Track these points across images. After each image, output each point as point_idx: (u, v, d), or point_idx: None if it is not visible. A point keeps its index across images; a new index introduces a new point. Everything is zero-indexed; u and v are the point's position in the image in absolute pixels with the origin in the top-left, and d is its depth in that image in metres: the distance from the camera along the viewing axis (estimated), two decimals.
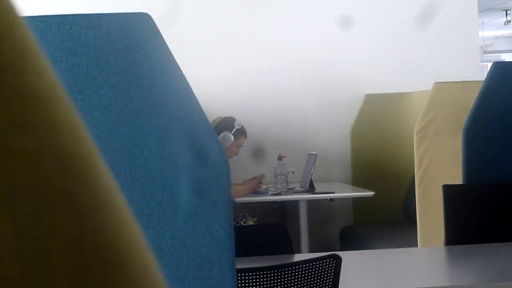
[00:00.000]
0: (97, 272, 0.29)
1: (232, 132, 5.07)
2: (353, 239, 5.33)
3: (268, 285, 2.24)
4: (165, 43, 1.81)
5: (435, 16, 5.93)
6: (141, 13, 1.78)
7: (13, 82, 0.30)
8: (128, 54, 1.73)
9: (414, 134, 4.17)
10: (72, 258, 0.29)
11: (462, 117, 3.42)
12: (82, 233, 0.29)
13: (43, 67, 0.32)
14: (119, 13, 1.77)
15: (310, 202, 5.02)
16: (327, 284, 2.30)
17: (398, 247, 3.87)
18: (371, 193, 4.94)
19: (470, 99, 3.43)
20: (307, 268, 2.26)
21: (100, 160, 0.33)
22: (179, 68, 1.84)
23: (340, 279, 2.30)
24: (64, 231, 0.29)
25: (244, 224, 5.15)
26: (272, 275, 2.24)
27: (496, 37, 19.43)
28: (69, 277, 0.29)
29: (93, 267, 0.29)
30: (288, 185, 5.10)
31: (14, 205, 0.29)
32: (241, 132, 5.15)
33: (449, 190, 3.18)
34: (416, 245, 4.24)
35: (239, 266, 1.92)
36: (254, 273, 2.23)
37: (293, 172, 5.30)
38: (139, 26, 1.76)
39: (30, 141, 0.29)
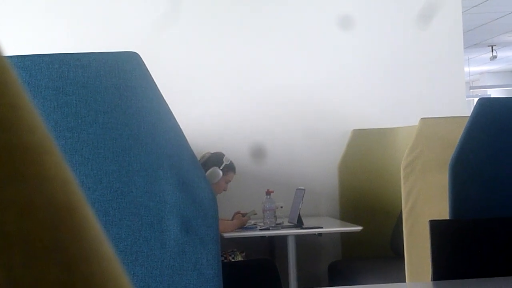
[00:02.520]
0: None
1: (221, 168, 5.08)
2: (341, 274, 5.33)
3: None
4: (153, 81, 1.83)
5: (422, 52, 5.99)
6: (130, 52, 1.80)
7: (6, 137, 0.31)
8: (117, 92, 1.75)
9: (401, 169, 4.19)
10: None
11: (449, 153, 3.45)
12: (71, 282, 0.31)
13: (35, 122, 0.33)
14: (108, 52, 1.79)
15: (298, 237, 5.02)
16: None
17: (386, 282, 3.88)
18: (359, 228, 4.95)
19: (456, 135, 3.46)
20: None
21: (89, 210, 0.34)
22: (167, 106, 1.86)
23: None
24: (54, 279, 0.30)
25: (232, 260, 5.14)
26: None
27: (482, 73, 19.58)
28: None
29: None
30: (276, 220, 5.11)
31: (7, 253, 0.30)
32: (230, 168, 5.16)
33: (435, 226, 3.19)
34: (404, 280, 4.24)
35: None
36: None
37: (281, 207, 5.30)
38: (128, 64, 1.78)
39: (22, 193, 0.30)
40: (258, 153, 5.76)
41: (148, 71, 1.88)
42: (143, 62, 1.87)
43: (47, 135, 0.33)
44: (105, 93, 1.84)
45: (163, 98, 1.91)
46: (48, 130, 0.34)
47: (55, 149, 0.33)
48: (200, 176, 1.92)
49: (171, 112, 1.92)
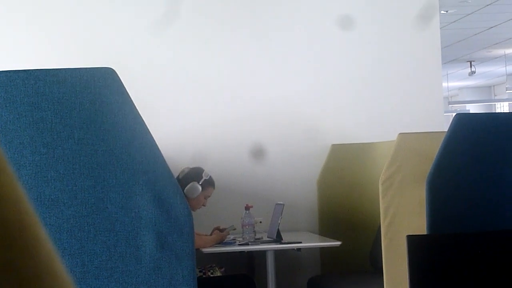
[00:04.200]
0: None
1: (200, 183, 5.08)
2: None
3: None
4: (129, 97, 1.83)
5: (400, 67, 6.02)
6: (105, 68, 1.80)
7: None
8: (92, 108, 1.75)
9: (380, 184, 4.20)
10: None
11: (427, 168, 3.47)
12: None
13: None
14: (83, 68, 1.79)
15: (277, 252, 5.02)
16: None
17: None
18: (338, 243, 4.96)
19: (434, 150, 3.48)
20: None
21: (41, 229, 0.35)
22: (143, 122, 1.86)
23: None
24: None
25: (211, 275, 5.13)
26: None
27: (460, 88, 19.71)
28: None
29: None
30: (255, 235, 5.10)
31: None
32: (209, 183, 5.15)
33: (413, 240, 3.21)
34: None
35: None
36: None
37: (260, 222, 5.30)
38: (104, 80, 1.78)
39: None
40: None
41: (123, 86, 1.88)
42: (119, 78, 1.87)
43: (0, 156, 0.34)
44: (80, 108, 1.84)
45: (139, 113, 1.91)
46: (1, 151, 0.35)
47: (8, 168, 0.34)
48: (176, 192, 1.92)
49: (147, 128, 1.92)
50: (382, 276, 4.26)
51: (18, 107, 1.81)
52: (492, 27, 11.84)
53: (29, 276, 0.32)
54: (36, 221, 0.34)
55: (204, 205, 5.17)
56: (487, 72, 16.91)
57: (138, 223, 1.83)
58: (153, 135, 2.11)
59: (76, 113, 1.84)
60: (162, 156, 1.90)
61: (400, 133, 4.26)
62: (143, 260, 1.85)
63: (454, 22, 11.04)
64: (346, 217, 5.64)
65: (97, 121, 1.82)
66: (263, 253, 5.00)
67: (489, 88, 19.97)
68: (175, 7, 5.76)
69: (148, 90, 5.59)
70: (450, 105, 18.40)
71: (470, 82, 18.47)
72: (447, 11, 10.19)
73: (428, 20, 6.02)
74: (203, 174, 5.13)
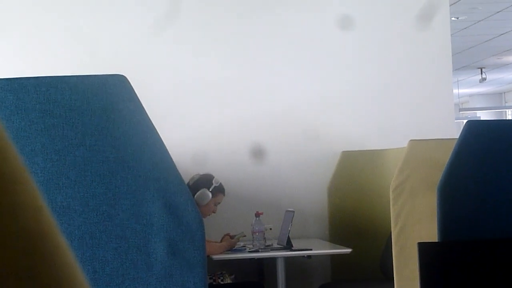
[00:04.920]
0: None
1: (210, 190, 5.08)
2: None
3: None
4: (140, 104, 1.83)
5: (411, 74, 6.02)
6: (117, 75, 1.80)
7: None
8: (104, 115, 1.75)
9: (390, 191, 4.19)
10: None
11: (437, 175, 3.46)
12: None
13: (8, 151, 0.34)
14: (95, 75, 1.80)
15: (287, 259, 5.01)
16: None
17: None
18: (348, 250, 4.95)
19: (445, 157, 3.47)
20: None
21: (61, 238, 0.35)
22: (154, 128, 1.86)
23: None
24: None
25: (221, 282, 5.12)
26: None
27: (471, 95, 19.68)
28: None
29: None
30: (265, 242, 5.10)
31: None
32: (219, 190, 5.16)
33: (424, 248, 3.20)
34: None
35: None
36: None
37: (270, 229, 5.30)
38: (115, 87, 1.78)
39: None
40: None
41: (135, 93, 1.88)
42: (130, 85, 1.87)
43: (20, 164, 0.34)
44: (92, 115, 1.84)
45: (150, 120, 1.91)
46: (21, 159, 0.35)
47: (28, 177, 0.34)
48: (187, 199, 1.92)
49: (158, 135, 1.92)
50: (393, 283, 4.25)
51: (30, 114, 1.81)
52: (502, 34, 11.81)
53: (49, 284, 0.32)
54: (56, 229, 0.34)
55: (214, 212, 5.17)
56: (498, 78, 16.87)
57: (149, 230, 1.83)
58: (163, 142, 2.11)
59: (87, 120, 1.84)
60: (173, 163, 1.90)
61: (410, 140, 4.26)
62: (154, 267, 1.85)
63: (464, 29, 11.02)
64: (357, 224, 5.63)
65: (109, 128, 1.82)
66: (273, 260, 5.00)
67: (500, 95, 19.93)
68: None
69: (153, 96, 5.59)
70: (460, 112, 18.37)
71: (481, 89, 18.44)
72: (457, 18, 10.18)
73: (439, 24, 6.01)
74: (213, 181, 5.13)
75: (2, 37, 5.73)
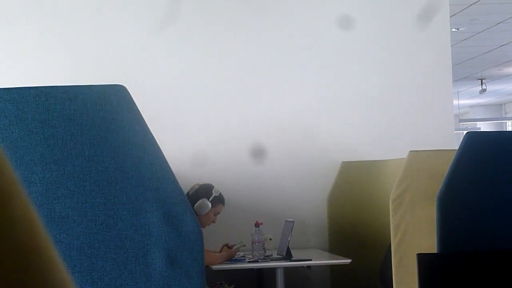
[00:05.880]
0: None
1: (210, 200, 5.07)
2: None
3: None
4: (139, 114, 1.83)
5: (411, 84, 6.02)
6: (116, 85, 1.81)
7: None
8: (103, 125, 1.76)
9: (390, 202, 4.19)
10: None
11: (437, 185, 3.46)
12: None
13: (3, 165, 0.34)
14: (95, 85, 1.80)
15: (287, 269, 5.00)
16: None
17: None
18: (348, 260, 4.94)
19: (445, 168, 3.47)
20: None
21: (55, 253, 0.35)
22: (153, 139, 1.86)
23: None
24: None
25: None
26: None
27: (471, 106, 19.68)
28: None
29: None
30: (265, 252, 5.09)
31: None
32: (219, 200, 5.15)
33: (423, 259, 3.19)
34: None
35: None
36: None
37: (270, 239, 5.29)
38: (115, 98, 1.78)
39: None
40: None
41: (134, 104, 1.88)
42: (130, 95, 1.87)
43: (14, 179, 0.34)
44: (91, 125, 1.84)
45: (149, 131, 1.91)
46: (15, 173, 0.35)
47: (22, 192, 0.34)
48: (186, 209, 1.92)
49: (157, 145, 1.92)
50: None
51: (29, 124, 1.81)
52: (503, 45, 11.83)
53: None
54: (49, 244, 0.34)
55: (213, 222, 5.17)
56: (498, 90, 16.88)
57: (148, 241, 1.83)
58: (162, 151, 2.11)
59: (87, 130, 1.84)
60: (172, 173, 1.90)
61: (410, 151, 4.26)
62: (152, 278, 1.84)
63: (465, 40, 11.04)
64: (356, 235, 5.63)
65: (108, 138, 1.82)
66: (272, 270, 4.99)
67: (500, 106, 19.93)
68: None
69: (152, 101, 5.59)
70: (461, 123, 18.37)
71: (481, 100, 18.44)
72: (458, 29, 10.19)
73: (440, 32, 6.02)
74: (213, 191, 5.12)
75: (6, 46, 5.73)
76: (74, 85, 1.79)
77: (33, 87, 1.74)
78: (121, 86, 1.81)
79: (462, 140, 3.42)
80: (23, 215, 0.33)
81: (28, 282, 0.32)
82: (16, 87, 1.71)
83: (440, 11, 6.04)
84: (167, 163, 1.91)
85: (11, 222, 0.32)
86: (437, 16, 6.01)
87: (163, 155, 1.92)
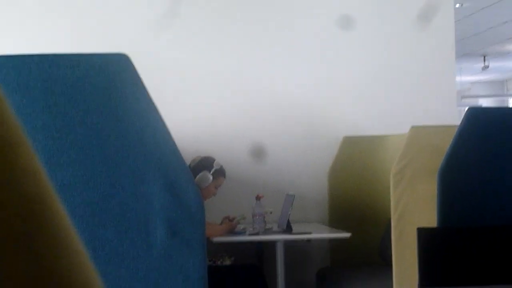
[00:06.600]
0: None
1: (211, 172, 5.08)
2: (329, 281, 5.33)
3: None
4: (142, 83, 1.83)
5: (414, 60, 6.00)
6: (119, 54, 1.80)
7: None
8: (106, 93, 1.75)
9: (391, 177, 4.19)
10: None
11: (438, 161, 3.46)
12: (39, 274, 0.31)
13: (6, 114, 0.33)
14: (97, 54, 1.79)
15: (287, 243, 5.01)
16: None
17: None
18: (348, 234, 4.95)
19: (446, 143, 3.47)
20: None
21: (58, 203, 0.34)
22: (156, 108, 1.86)
23: None
24: (22, 271, 0.30)
25: (221, 264, 5.14)
26: None
27: (473, 82, 19.64)
28: None
29: None
30: (265, 225, 5.10)
31: None
32: (220, 172, 5.15)
33: (423, 233, 3.20)
34: None
35: None
36: None
37: (271, 213, 5.30)
38: (117, 66, 1.78)
39: None
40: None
41: (137, 73, 1.87)
42: (133, 64, 1.86)
43: (17, 127, 0.33)
44: (94, 94, 1.84)
45: (152, 100, 1.91)
46: (19, 122, 0.34)
47: (26, 141, 0.33)
48: (188, 179, 1.92)
49: (160, 115, 1.91)
50: (391, 269, 4.25)
51: (31, 91, 1.81)
52: (506, 22, 11.78)
53: (46, 249, 0.32)
54: (53, 195, 0.34)
55: (214, 195, 5.18)
56: (501, 66, 16.84)
57: (149, 210, 1.83)
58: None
59: (89, 99, 1.84)
60: (175, 144, 1.90)
61: (412, 126, 4.25)
62: (154, 247, 1.85)
63: (468, 16, 10.99)
64: (356, 209, 5.64)
65: (110, 107, 1.82)
66: (272, 243, 5.00)
67: (502, 82, 19.89)
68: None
69: (155, 82, 5.59)
70: (462, 99, 18.34)
71: (483, 77, 18.41)
72: (461, 5, 10.14)
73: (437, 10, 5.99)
74: (214, 164, 5.12)
75: (3, 12, 5.71)
76: (76, 53, 1.78)
77: (36, 54, 1.73)
78: (124, 55, 1.81)
79: (464, 116, 3.42)
80: (26, 163, 0.33)
81: (31, 230, 0.32)
82: (18, 55, 1.71)
83: None
84: (169, 133, 1.91)
85: (15, 170, 0.32)
86: None
87: (165, 125, 1.91)
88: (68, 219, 0.35)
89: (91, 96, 1.81)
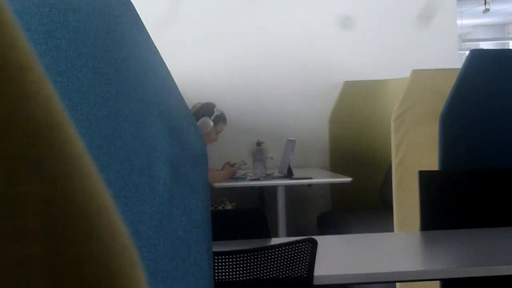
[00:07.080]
0: (66, 235, 0.31)
1: (211, 118, 5.08)
2: (330, 224, 5.37)
3: (244, 268, 2.26)
4: (144, 27, 1.82)
5: (414, 3, 5.96)
6: None
7: None
8: (107, 37, 1.74)
9: (392, 121, 4.19)
10: (43, 221, 0.30)
11: (439, 105, 3.45)
12: (52, 198, 0.31)
13: (17, 38, 0.33)
14: None
15: (288, 188, 5.04)
16: (303, 267, 2.32)
17: (374, 232, 3.91)
18: (349, 179, 4.97)
19: (448, 87, 3.46)
20: (283, 251, 2.29)
21: (71, 128, 0.34)
22: (158, 52, 1.85)
23: (316, 263, 2.32)
24: (35, 195, 0.30)
25: (222, 209, 5.17)
26: (248, 258, 2.26)
27: (474, 26, 19.52)
28: (39, 239, 0.30)
29: (62, 230, 0.31)
30: (266, 170, 5.12)
31: None
32: (220, 118, 5.16)
33: (425, 176, 3.21)
34: (392, 231, 4.27)
35: (216, 249, 1.94)
36: (230, 256, 2.25)
37: (272, 158, 5.32)
38: (119, 9, 1.76)
39: (2, 109, 0.30)
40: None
41: (138, 16, 1.86)
42: (134, 8, 1.85)
43: (29, 51, 0.33)
44: (95, 37, 1.82)
45: (154, 44, 1.90)
46: (30, 47, 0.34)
47: (37, 66, 0.33)
48: (190, 123, 1.92)
49: (162, 58, 1.91)
50: (392, 213, 4.28)
51: (33, 35, 1.80)
52: None
53: (58, 174, 0.32)
54: (66, 120, 0.34)
55: (215, 140, 5.19)
56: (501, 10, 16.71)
57: (152, 153, 1.84)
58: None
59: (90, 42, 1.83)
60: (177, 87, 1.89)
61: (413, 70, 4.24)
62: (157, 190, 1.86)
63: None
64: (357, 154, 5.65)
65: (112, 50, 1.81)
66: (273, 188, 5.03)
67: (503, 26, 19.77)
68: None
69: (155, 24, 5.55)
70: (463, 43, 18.26)
71: (484, 20, 18.28)
72: None
73: None
74: (214, 110, 5.12)
75: None
76: None
77: None
78: None
79: (466, 58, 3.41)
80: (38, 89, 0.33)
81: (43, 157, 0.32)
82: None
83: None
84: (171, 77, 1.90)
85: (25, 95, 0.32)
86: None
87: (167, 68, 1.91)
88: (81, 145, 0.34)
89: (92, 39, 1.80)
